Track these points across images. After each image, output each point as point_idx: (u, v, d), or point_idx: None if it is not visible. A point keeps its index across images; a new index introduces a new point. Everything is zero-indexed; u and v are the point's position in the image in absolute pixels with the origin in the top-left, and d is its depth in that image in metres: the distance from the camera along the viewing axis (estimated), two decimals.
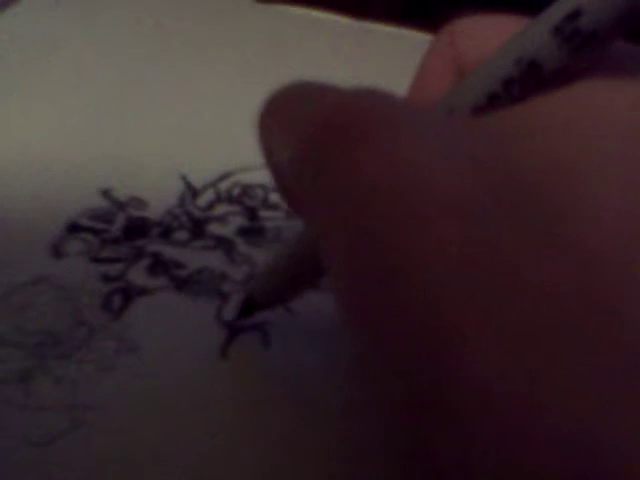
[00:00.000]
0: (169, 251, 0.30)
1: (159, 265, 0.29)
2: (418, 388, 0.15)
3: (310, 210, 0.17)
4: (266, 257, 0.30)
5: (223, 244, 0.30)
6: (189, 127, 0.36)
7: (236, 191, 0.33)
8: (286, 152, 0.18)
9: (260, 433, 0.24)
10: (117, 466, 0.23)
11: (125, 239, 0.30)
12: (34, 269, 0.29)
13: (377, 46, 0.42)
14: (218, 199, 0.32)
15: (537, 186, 0.15)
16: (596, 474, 0.13)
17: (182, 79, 0.39)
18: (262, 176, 0.34)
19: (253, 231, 0.31)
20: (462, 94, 0.19)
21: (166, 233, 0.31)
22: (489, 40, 0.19)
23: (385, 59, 0.41)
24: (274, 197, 0.33)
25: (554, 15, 0.17)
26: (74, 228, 0.31)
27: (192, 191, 0.33)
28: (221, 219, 0.32)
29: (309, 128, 0.17)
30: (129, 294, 0.28)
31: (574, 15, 0.17)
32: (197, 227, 0.31)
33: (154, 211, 0.32)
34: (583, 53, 0.17)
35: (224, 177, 0.33)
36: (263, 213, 0.32)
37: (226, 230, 0.31)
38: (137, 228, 0.31)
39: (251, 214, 0.32)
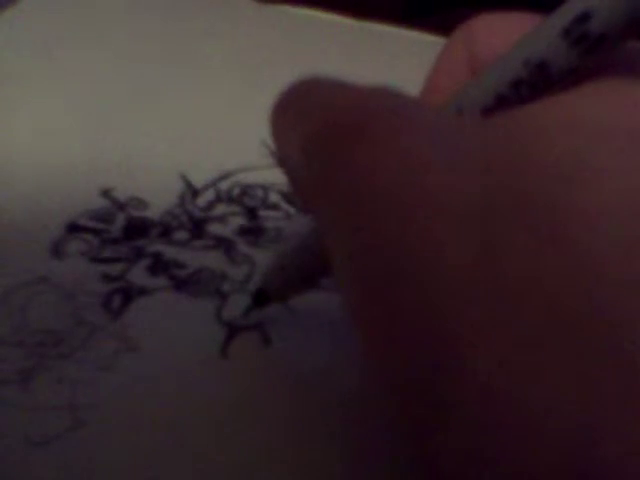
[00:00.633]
0: (169, 251, 0.30)
1: (159, 265, 0.29)
2: (418, 389, 0.15)
3: (316, 207, 0.17)
4: (278, 250, 0.30)
5: (223, 244, 0.30)
6: (189, 127, 0.36)
7: (236, 191, 0.33)
8: (296, 147, 0.18)
9: (260, 432, 0.24)
10: (117, 466, 0.23)
11: (125, 239, 0.30)
12: (34, 269, 0.29)
13: (377, 46, 0.42)
14: (218, 199, 0.32)
15: (543, 188, 0.15)
16: (595, 473, 0.13)
17: (182, 79, 0.39)
18: (262, 176, 0.34)
19: (253, 231, 0.31)
20: (471, 94, 0.19)
21: (166, 233, 0.31)
22: (504, 39, 0.19)
23: (385, 59, 0.41)
24: (274, 197, 0.33)
25: (563, 17, 0.17)
26: (74, 228, 0.31)
27: (192, 191, 0.33)
28: (221, 219, 0.32)
29: (318, 125, 0.17)
30: (129, 294, 0.28)
31: (584, 18, 0.16)
32: (197, 227, 0.31)
33: (154, 211, 0.32)
34: (592, 55, 0.17)
35: (224, 177, 0.33)
36: (263, 213, 0.32)
37: (226, 230, 0.31)
38: (137, 228, 0.31)
39: (251, 214, 0.32)
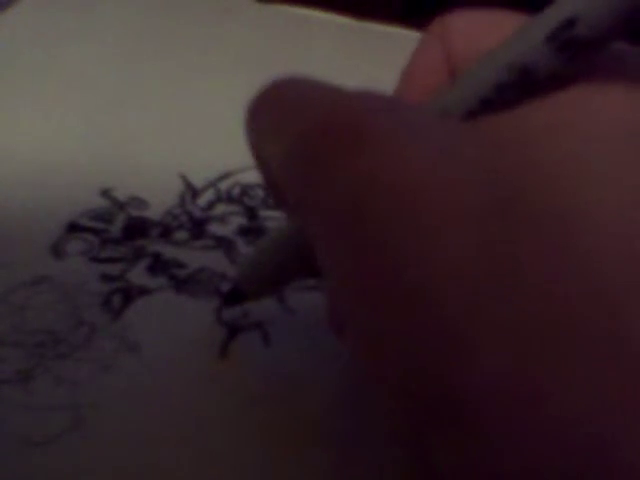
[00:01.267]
0: (169, 251, 0.30)
1: (159, 265, 0.29)
2: (422, 391, 0.15)
3: (301, 209, 0.17)
4: (251, 247, 0.30)
5: (223, 244, 0.30)
6: (189, 127, 0.36)
7: (236, 191, 0.33)
8: (276, 149, 0.18)
9: (260, 432, 0.24)
10: (117, 466, 0.23)
11: (125, 239, 0.30)
12: (34, 269, 0.29)
13: (377, 46, 0.42)
14: (218, 199, 0.32)
15: (538, 191, 0.15)
16: (604, 468, 0.13)
17: (182, 79, 0.39)
18: None
19: (253, 231, 0.31)
20: (455, 96, 0.18)
21: (166, 233, 0.31)
22: (482, 37, 0.19)
23: (385, 59, 0.41)
24: None
25: (548, 22, 0.17)
26: (74, 228, 0.31)
27: (192, 191, 0.33)
28: (221, 219, 0.32)
29: (302, 127, 0.17)
30: (129, 294, 0.28)
31: (569, 23, 0.16)
32: (197, 227, 0.31)
33: (154, 211, 0.32)
34: (577, 60, 0.17)
35: (224, 177, 0.33)
36: (263, 213, 0.32)
37: (226, 230, 0.31)
38: (137, 228, 0.31)
39: (251, 214, 0.32)
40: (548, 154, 0.16)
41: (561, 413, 0.13)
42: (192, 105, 0.38)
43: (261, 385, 0.26)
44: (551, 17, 0.17)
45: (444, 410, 0.14)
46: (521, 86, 0.17)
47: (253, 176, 0.34)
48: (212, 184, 0.33)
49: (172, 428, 0.24)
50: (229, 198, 0.33)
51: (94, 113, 0.37)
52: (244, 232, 0.31)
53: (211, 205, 0.32)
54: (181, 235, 0.31)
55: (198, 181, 0.33)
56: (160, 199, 0.32)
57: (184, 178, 0.33)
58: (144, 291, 0.28)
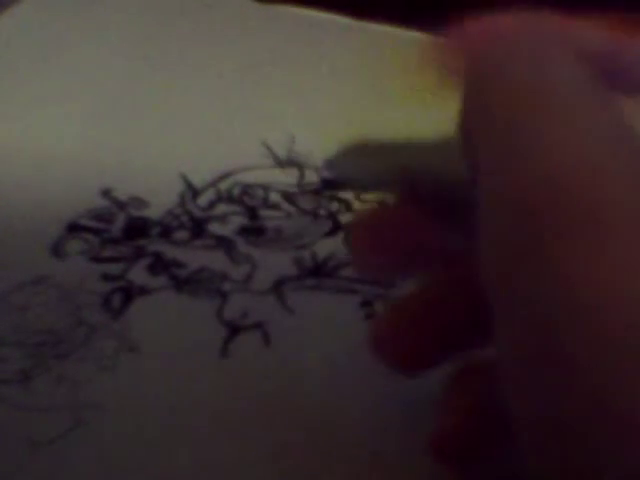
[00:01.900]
0: (169, 251, 0.30)
1: (159, 265, 0.29)
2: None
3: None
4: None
5: (223, 244, 0.30)
6: (189, 127, 0.36)
7: (236, 191, 0.33)
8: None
9: (260, 432, 0.24)
10: (117, 466, 0.23)
11: (125, 239, 0.30)
12: (34, 269, 0.29)
13: (377, 46, 0.42)
14: (218, 199, 0.32)
15: None
16: None
17: (182, 79, 0.39)
18: (262, 176, 0.34)
19: (253, 231, 0.31)
20: None
21: (166, 233, 0.31)
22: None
23: (385, 59, 0.41)
24: (274, 197, 0.33)
25: None
26: (74, 228, 0.31)
27: (192, 191, 0.33)
28: (221, 219, 0.32)
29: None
30: (129, 294, 0.28)
31: None
32: (197, 227, 0.31)
33: (154, 211, 0.32)
34: None
35: (224, 177, 0.33)
36: (263, 213, 0.32)
37: (226, 230, 0.31)
38: (137, 228, 0.31)
39: (251, 214, 0.32)
40: None
41: None
42: (192, 105, 0.38)
43: (261, 385, 0.26)
44: None
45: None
46: None
47: (253, 176, 0.34)
48: (212, 184, 0.33)
49: (172, 428, 0.24)
50: (229, 198, 0.33)
51: (94, 113, 0.37)
52: (244, 232, 0.31)
53: (211, 205, 0.32)
54: (181, 235, 0.31)
55: (198, 181, 0.33)
56: (160, 199, 0.32)
57: (184, 178, 0.33)
58: (144, 291, 0.28)
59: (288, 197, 0.32)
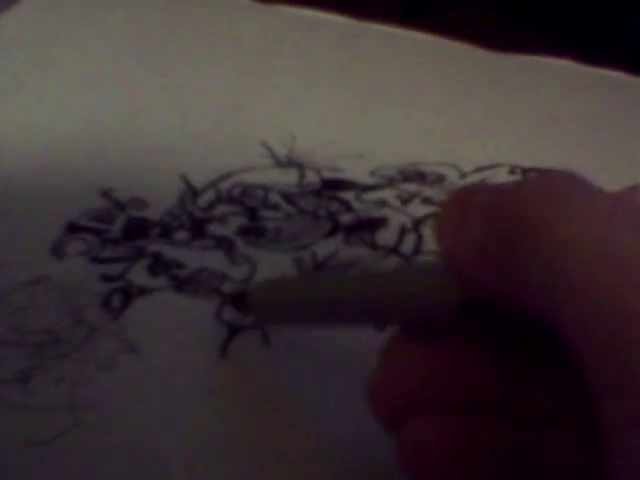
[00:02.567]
0: (169, 251, 0.30)
1: (159, 265, 0.29)
2: None
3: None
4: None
5: (223, 244, 0.30)
6: (189, 127, 0.36)
7: (236, 191, 0.33)
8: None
9: (260, 431, 0.24)
10: (117, 466, 0.23)
11: (125, 239, 0.30)
12: (34, 269, 0.29)
13: (377, 46, 0.42)
14: (218, 199, 0.32)
15: None
16: None
17: (182, 79, 0.39)
18: (262, 176, 0.34)
19: (253, 231, 0.31)
20: None
21: (166, 233, 0.31)
22: None
23: (385, 59, 0.41)
24: (274, 197, 0.33)
25: None
26: (74, 228, 0.31)
27: (192, 191, 0.33)
28: (221, 219, 0.32)
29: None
30: (129, 294, 0.28)
31: None
32: (197, 227, 0.31)
33: (154, 211, 0.32)
34: None
35: (224, 177, 0.33)
36: (263, 213, 0.32)
37: (226, 230, 0.31)
38: (137, 228, 0.31)
39: (251, 214, 0.32)
40: None
41: None
42: (192, 105, 0.38)
43: (261, 385, 0.26)
44: None
45: None
46: None
47: (253, 176, 0.34)
48: (212, 184, 0.33)
49: (172, 428, 0.24)
50: (229, 198, 0.33)
51: (94, 113, 0.37)
52: (244, 232, 0.31)
53: (211, 205, 0.32)
54: (181, 235, 0.31)
55: (198, 181, 0.33)
56: (160, 199, 0.32)
57: (184, 178, 0.33)
58: (144, 291, 0.28)
59: (288, 197, 0.33)
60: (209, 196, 0.33)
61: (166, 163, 0.34)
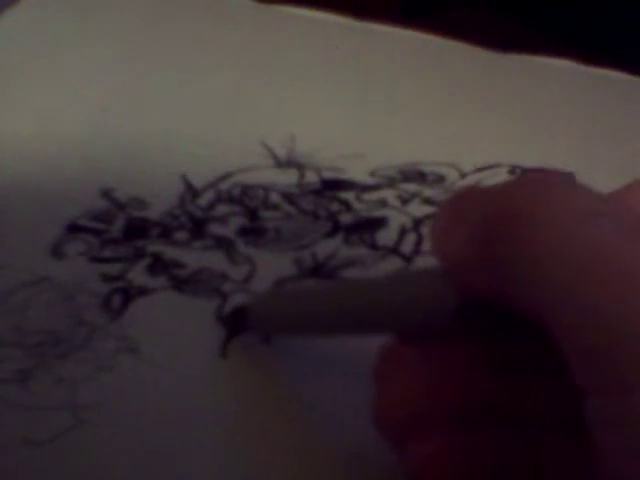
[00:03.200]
0: (169, 251, 0.30)
1: (159, 265, 0.29)
2: None
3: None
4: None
5: (223, 244, 0.30)
6: (189, 127, 0.36)
7: (236, 191, 0.33)
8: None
9: (260, 432, 0.24)
10: (117, 466, 0.23)
11: (125, 239, 0.30)
12: (34, 269, 0.29)
13: (377, 46, 0.42)
14: (218, 199, 0.32)
15: None
16: None
17: (182, 79, 0.39)
18: (262, 176, 0.34)
19: (253, 231, 0.31)
20: None
21: (166, 233, 0.31)
22: None
23: (385, 59, 0.41)
24: (274, 197, 0.33)
25: None
26: (74, 228, 0.31)
27: (192, 191, 0.33)
28: (221, 219, 0.32)
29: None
30: (129, 294, 0.28)
31: None
32: (197, 227, 0.31)
33: (154, 211, 0.32)
34: None
35: (224, 177, 0.33)
36: (263, 213, 0.32)
37: (226, 230, 0.31)
38: (137, 228, 0.31)
39: (251, 214, 0.32)
40: None
41: None
42: (192, 105, 0.38)
43: (261, 385, 0.26)
44: None
45: None
46: None
47: (253, 176, 0.34)
48: (212, 184, 0.33)
49: (172, 428, 0.24)
50: (229, 198, 0.33)
51: (94, 113, 0.37)
52: (244, 232, 0.31)
53: (211, 205, 0.32)
54: (181, 235, 0.31)
55: (198, 181, 0.33)
56: (160, 199, 0.32)
57: (184, 178, 0.33)
58: (144, 291, 0.28)
59: (288, 198, 0.33)
60: (209, 196, 0.33)
61: (166, 163, 0.34)
